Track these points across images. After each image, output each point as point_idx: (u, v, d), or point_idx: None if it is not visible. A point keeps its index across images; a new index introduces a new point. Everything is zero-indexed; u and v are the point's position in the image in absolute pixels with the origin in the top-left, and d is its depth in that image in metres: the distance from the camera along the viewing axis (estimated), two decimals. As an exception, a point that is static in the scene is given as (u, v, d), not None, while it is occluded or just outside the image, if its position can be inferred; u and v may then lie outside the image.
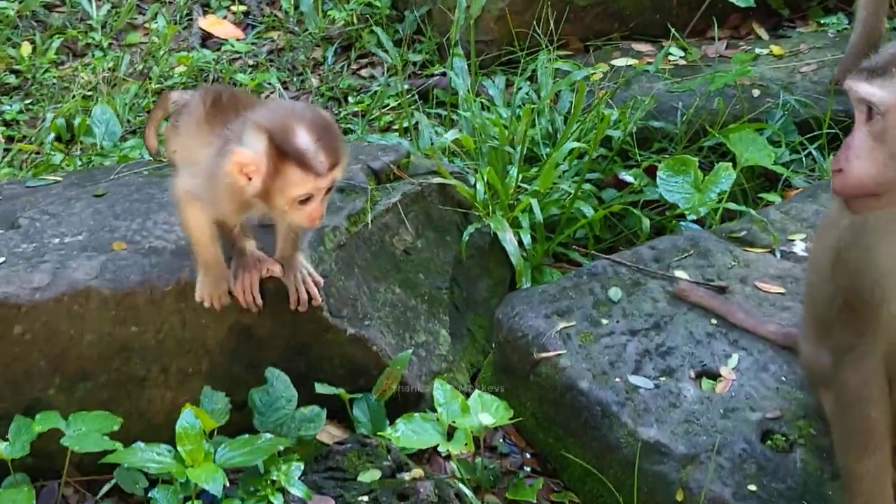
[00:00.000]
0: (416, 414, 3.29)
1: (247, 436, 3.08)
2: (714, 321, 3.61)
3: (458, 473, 3.37)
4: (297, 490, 2.99)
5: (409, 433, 3.23)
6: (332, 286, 3.51)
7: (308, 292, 3.34)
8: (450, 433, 3.29)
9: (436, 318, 3.87)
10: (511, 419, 3.40)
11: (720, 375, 3.44)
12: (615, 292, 3.72)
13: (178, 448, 2.92)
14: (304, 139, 2.91)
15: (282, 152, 2.90)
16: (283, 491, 3.03)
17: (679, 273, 3.78)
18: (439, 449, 3.25)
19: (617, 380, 3.44)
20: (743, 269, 3.83)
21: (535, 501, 3.40)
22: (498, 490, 3.45)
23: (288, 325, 3.42)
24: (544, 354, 3.54)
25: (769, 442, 3.24)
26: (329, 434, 3.43)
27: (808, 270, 3.29)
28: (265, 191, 2.96)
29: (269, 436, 3.13)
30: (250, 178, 2.95)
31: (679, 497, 3.17)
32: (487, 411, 3.35)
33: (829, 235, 2.97)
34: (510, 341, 3.65)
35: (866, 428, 2.86)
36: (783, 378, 3.42)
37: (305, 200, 2.97)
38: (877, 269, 2.75)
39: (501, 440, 3.63)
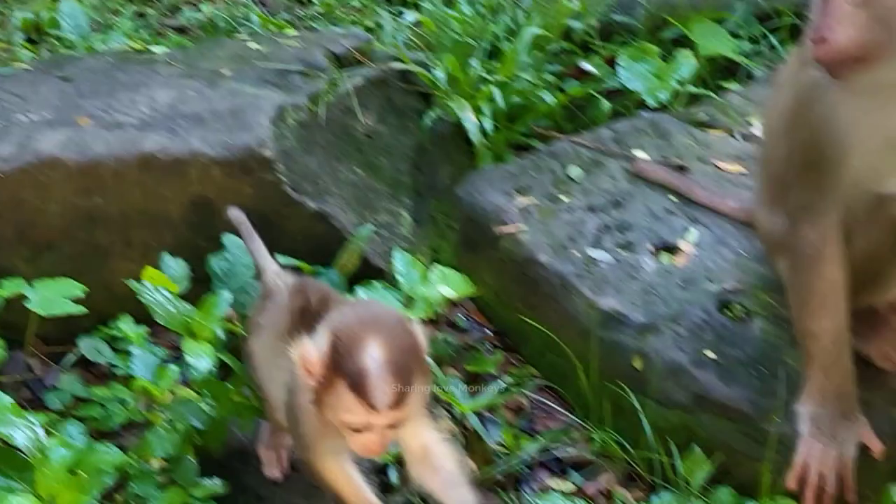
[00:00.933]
0: (376, 282, 3.32)
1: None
2: (673, 198, 3.64)
3: (419, 345, 3.40)
4: None
5: (369, 301, 3.26)
6: (294, 162, 3.53)
7: None
8: (409, 303, 3.33)
9: (398, 200, 3.90)
10: (472, 292, 3.44)
11: (679, 249, 3.47)
12: (575, 170, 3.76)
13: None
14: (368, 360, 2.27)
15: (337, 366, 2.30)
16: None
17: (638, 153, 3.82)
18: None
19: (576, 253, 3.47)
20: (702, 149, 3.87)
21: (494, 373, 3.45)
22: (458, 364, 3.50)
23: (250, 198, 3.44)
24: (504, 229, 3.57)
25: (727, 312, 3.27)
26: (290, 306, 3.45)
27: (762, 133, 3.31)
28: (318, 399, 2.38)
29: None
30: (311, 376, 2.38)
31: (637, 364, 3.21)
32: (448, 284, 3.39)
33: (784, 95, 2.98)
34: (471, 218, 3.68)
35: (823, 287, 2.86)
36: (742, 252, 3.46)
37: (360, 429, 2.37)
38: (840, 126, 2.75)
39: (462, 316, 3.67)
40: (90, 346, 3.29)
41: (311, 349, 2.33)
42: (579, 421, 3.33)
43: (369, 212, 3.76)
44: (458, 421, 3.23)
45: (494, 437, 3.26)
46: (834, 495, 2.87)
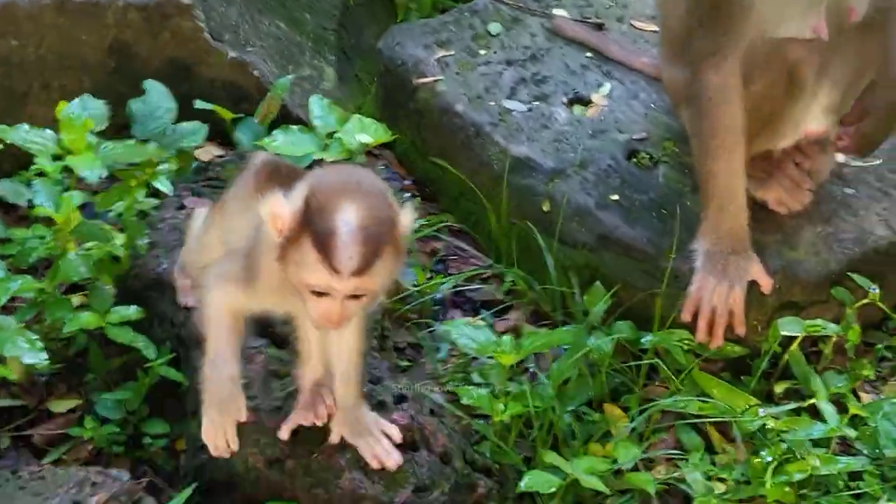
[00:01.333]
0: (294, 126, 3.38)
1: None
2: (589, 54, 3.73)
3: (337, 192, 3.47)
4: (162, 186, 3.00)
5: (286, 143, 3.31)
6: (213, 10, 3.57)
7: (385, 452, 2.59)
8: (325, 148, 3.40)
9: (321, 56, 3.95)
10: (388, 139, 3.51)
11: (591, 101, 3.57)
12: (495, 27, 3.83)
13: (62, 135, 2.92)
14: (340, 221, 2.17)
15: (308, 221, 2.21)
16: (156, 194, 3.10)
17: (558, 11, 3.89)
18: (315, 158, 3.34)
19: (492, 103, 3.56)
20: (620, 9, 3.95)
21: (412, 218, 3.53)
22: (376, 211, 3.56)
23: (168, 44, 3.48)
24: (423, 80, 3.64)
25: (634, 160, 3.37)
26: (209, 153, 3.51)
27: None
28: (282, 255, 2.26)
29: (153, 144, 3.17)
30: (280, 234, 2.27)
31: (545, 207, 3.31)
32: (366, 132, 3.46)
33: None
34: (390, 70, 3.75)
35: (723, 129, 2.96)
36: (652, 105, 3.56)
37: (321, 294, 2.27)
38: None
39: (382, 167, 3.74)
40: (10, 189, 3.31)
41: (284, 204, 2.23)
42: (491, 263, 3.44)
43: (292, 66, 3.80)
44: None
45: (410, 279, 3.36)
46: (724, 326, 3.00)
